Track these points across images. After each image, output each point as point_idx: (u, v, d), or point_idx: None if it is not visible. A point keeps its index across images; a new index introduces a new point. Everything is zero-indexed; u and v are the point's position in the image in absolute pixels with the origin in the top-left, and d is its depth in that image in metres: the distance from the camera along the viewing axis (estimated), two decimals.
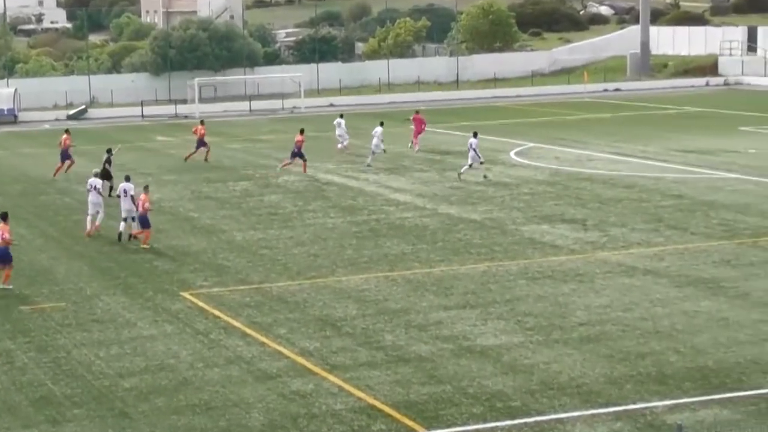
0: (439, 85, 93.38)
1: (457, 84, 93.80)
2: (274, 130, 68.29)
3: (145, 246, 34.78)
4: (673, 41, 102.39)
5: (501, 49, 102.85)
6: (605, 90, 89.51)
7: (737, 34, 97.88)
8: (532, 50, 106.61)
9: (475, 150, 46.32)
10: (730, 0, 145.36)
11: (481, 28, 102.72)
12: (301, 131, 50.70)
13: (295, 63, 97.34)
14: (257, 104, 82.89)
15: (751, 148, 53.75)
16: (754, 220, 36.71)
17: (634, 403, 20.66)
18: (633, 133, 58.50)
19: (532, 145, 56.50)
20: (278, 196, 43.93)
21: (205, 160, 53.48)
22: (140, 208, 34.93)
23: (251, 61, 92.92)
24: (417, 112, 58.28)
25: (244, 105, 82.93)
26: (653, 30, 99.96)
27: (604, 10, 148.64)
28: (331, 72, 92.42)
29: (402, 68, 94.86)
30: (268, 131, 67.47)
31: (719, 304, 26.95)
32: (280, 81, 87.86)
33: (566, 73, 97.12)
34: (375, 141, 51.52)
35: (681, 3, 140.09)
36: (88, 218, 36.93)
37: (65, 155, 49.88)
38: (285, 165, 50.46)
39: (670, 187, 43.24)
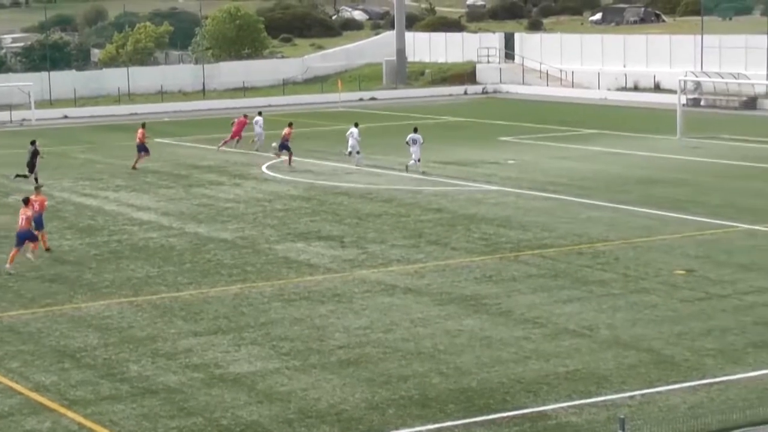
0: (184, 95, 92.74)
1: (203, 93, 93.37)
2: (1, 144, 66.35)
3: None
4: (429, 48, 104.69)
5: (250, 56, 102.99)
6: (360, 99, 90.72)
7: (494, 40, 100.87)
8: (282, 57, 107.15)
9: (418, 144, 50.02)
10: (485, 6, 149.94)
11: (227, 33, 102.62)
12: (290, 124, 55.64)
13: (24, 71, 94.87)
14: None
15: (510, 158, 55.46)
16: (515, 233, 37.87)
17: (397, 428, 20.98)
18: (390, 144, 59.47)
19: (285, 158, 56.74)
20: (7, 216, 42.64)
21: (133, 167, 54.24)
22: (37, 208, 35.36)
23: None
24: (245, 116, 61.57)
25: None
26: (409, 36, 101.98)
27: (358, 15, 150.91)
28: (65, 81, 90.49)
29: (143, 76, 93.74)
30: None
31: (482, 322, 27.67)
32: (7, 90, 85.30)
33: (319, 82, 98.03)
34: (351, 142, 53.58)
35: (437, 8, 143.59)
36: None
37: None
38: (279, 157, 54.57)
39: (430, 201, 44.18)
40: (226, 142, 59.95)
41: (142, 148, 54.88)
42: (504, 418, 21.35)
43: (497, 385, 23.09)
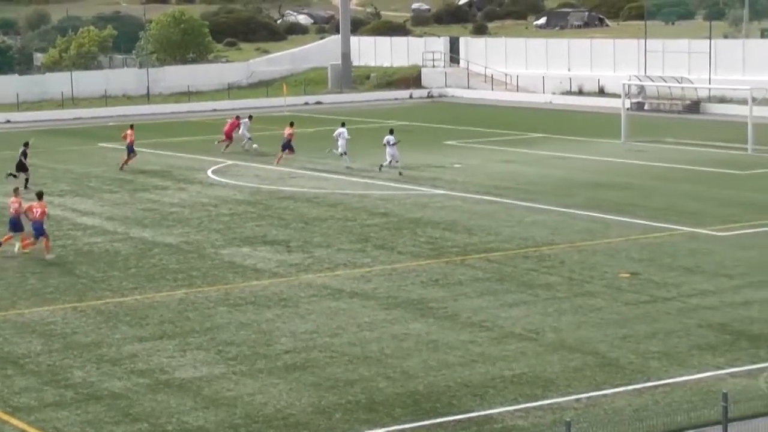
0: (128, 99, 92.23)
1: (147, 97, 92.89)
2: None
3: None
4: (375, 52, 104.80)
5: (194, 61, 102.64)
6: (306, 103, 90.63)
7: (439, 45, 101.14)
8: (227, 61, 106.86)
9: (392, 145, 51.42)
10: (430, 10, 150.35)
11: (172, 37, 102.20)
12: (291, 124, 57.24)
13: None
14: None
15: (456, 162, 55.61)
16: (461, 237, 37.96)
17: None
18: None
19: (230, 162, 56.62)
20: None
21: (120, 168, 54.97)
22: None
23: None
24: (237, 117, 62.32)
25: None
26: (354, 40, 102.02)
27: (303, 19, 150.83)
28: (7, 85, 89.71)
29: (87, 81, 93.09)
30: None
31: (428, 326, 27.71)
32: None
33: (265, 86, 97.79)
34: (341, 142, 54.19)
35: (382, 12, 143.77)
36: None
37: None
38: (279, 159, 55.34)
39: (377, 205, 44.20)
40: (227, 145, 60.56)
41: (131, 150, 55.47)
42: (450, 421, 21.39)
43: (444, 389, 23.13)
